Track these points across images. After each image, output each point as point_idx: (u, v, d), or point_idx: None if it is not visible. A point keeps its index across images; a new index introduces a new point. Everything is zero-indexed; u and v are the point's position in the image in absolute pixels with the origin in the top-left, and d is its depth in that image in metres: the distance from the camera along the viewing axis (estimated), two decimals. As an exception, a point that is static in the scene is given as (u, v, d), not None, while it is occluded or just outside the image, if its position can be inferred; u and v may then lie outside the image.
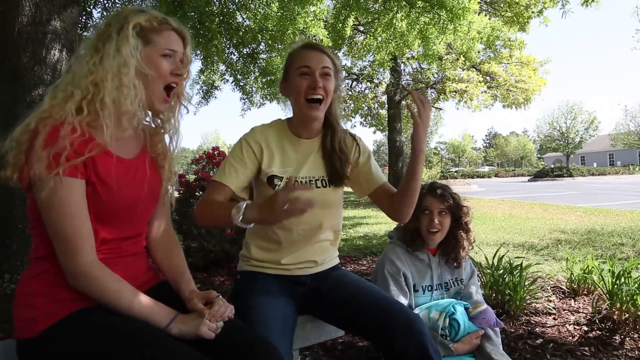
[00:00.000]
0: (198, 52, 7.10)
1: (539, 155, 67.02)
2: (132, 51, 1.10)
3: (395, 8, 5.79)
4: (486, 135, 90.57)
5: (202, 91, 8.69)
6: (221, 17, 6.11)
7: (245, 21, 6.41)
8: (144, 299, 1.09)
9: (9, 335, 2.36)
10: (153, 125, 1.29)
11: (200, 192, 3.96)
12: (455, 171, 43.27)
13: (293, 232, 1.47)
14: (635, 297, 2.48)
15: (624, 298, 2.53)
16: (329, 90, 1.43)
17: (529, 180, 29.40)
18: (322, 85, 1.40)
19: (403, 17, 5.86)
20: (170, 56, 1.17)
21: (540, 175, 30.46)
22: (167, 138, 1.30)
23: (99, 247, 1.09)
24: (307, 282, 1.52)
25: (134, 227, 1.21)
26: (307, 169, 1.49)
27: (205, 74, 7.86)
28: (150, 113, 1.26)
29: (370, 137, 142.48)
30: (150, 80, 1.14)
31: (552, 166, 34.24)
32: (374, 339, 1.40)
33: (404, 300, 1.70)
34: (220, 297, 1.17)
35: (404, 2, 5.58)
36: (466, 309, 1.77)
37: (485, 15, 7.28)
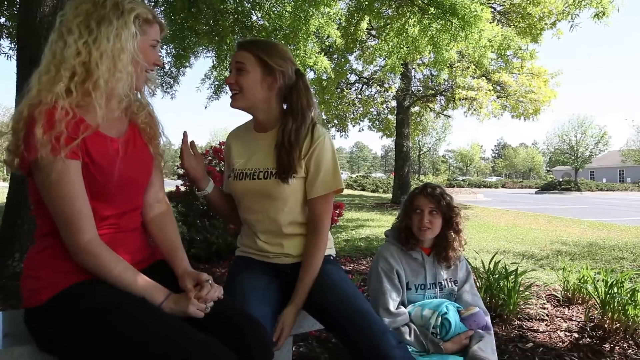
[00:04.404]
0: (210, 48, 7.19)
1: (547, 168, 66.50)
2: (131, 39, 1.16)
3: (407, 14, 5.86)
4: (495, 146, 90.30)
5: (214, 87, 8.78)
6: (235, 16, 6.21)
7: (259, 20, 6.50)
8: (140, 278, 1.15)
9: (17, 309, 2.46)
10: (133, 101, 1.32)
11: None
12: (462, 180, 43.04)
13: (256, 223, 1.54)
14: (626, 306, 2.52)
15: (616, 307, 2.57)
16: (241, 83, 1.45)
17: (536, 193, 29.25)
18: (234, 80, 1.46)
19: (415, 23, 5.92)
20: (155, 46, 1.26)
21: (547, 188, 30.29)
22: (151, 114, 1.35)
23: (99, 224, 1.15)
24: (288, 271, 1.55)
25: (131, 202, 1.27)
26: (256, 161, 1.53)
27: (217, 70, 7.94)
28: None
29: (378, 142, 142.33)
30: (139, 68, 1.22)
31: (561, 179, 33.93)
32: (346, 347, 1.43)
33: (396, 297, 1.75)
34: (211, 280, 1.22)
35: (416, 8, 5.64)
36: (459, 310, 1.81)
37: (498, 25, 7.29)
